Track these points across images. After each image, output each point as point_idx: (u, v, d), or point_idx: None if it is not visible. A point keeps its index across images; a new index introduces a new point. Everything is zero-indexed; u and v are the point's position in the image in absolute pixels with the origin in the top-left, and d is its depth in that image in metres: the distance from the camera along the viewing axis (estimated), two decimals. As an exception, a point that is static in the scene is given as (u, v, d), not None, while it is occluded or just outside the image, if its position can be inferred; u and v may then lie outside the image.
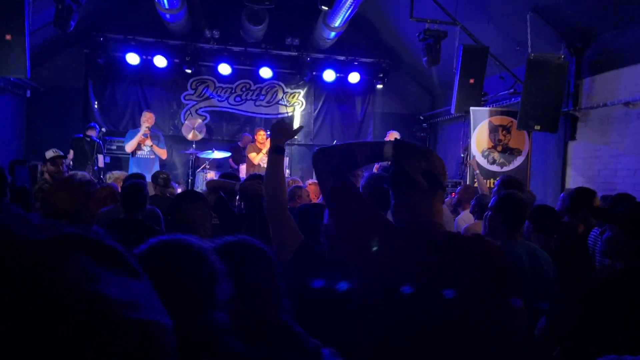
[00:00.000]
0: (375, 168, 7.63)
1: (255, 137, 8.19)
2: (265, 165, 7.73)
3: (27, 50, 5.11)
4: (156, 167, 7.43)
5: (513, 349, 1.99)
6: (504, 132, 6.95)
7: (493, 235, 2.63)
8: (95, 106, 9.45)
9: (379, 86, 10.21)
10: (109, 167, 8.43)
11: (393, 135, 8.62)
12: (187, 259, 1.07)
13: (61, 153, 5.69)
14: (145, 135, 7.22)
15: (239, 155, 8.82)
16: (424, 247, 1.53)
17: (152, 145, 7.29)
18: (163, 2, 7.32)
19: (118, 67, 9.36)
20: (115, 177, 5.27)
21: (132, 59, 9.00)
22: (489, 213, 2.72)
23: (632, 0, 5.32)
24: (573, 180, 6.45)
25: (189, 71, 9.44)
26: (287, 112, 10.16)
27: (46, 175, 4.73)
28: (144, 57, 9.06)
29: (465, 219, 4.20)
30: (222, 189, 3.22)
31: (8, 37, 4.92)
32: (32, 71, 7.37)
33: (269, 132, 2.92)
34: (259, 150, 8.05)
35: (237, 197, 3.52)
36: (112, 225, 2.93)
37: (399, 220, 1.62)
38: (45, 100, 9.01)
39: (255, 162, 7.99)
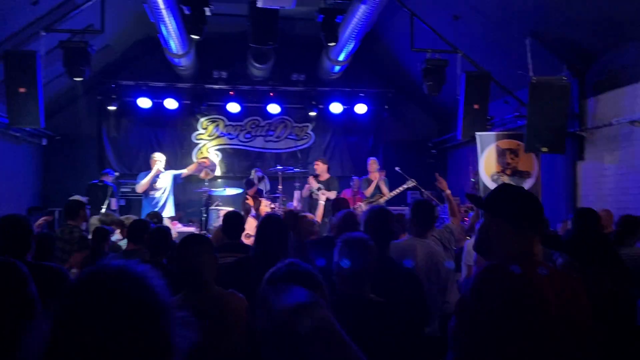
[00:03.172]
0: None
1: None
2: (330, 197, 7.16)
3: (40, 102, 5.33)
4: (170, 206, 7.47)
5: None
6: (512, 155, 6.92)
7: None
8: (109, 151, 9.69)
9: (386, 115, 10.32)
10: (124, 210, 8.57)
11: (373, 163, 8.45)
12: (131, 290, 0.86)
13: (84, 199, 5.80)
14: (155, 178, 7.25)
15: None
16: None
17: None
18: (171, 47, 7.55)
19: (130, 112, 9.64)
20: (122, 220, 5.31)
21: (144, 103, 9.27)
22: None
23: (629, 19, 5.37)
24: (585, 201, 6.38)
25: (199, 114, 9.69)
26: (297, 145, 10.24)
27: (81, 222, 4.67)
28: (155, 100, 9.33)
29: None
30: None
31: (22, 89, 5.15)
32: (48, 120, 7.59)
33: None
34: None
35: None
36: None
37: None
38: (61, 148, 9.28)
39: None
